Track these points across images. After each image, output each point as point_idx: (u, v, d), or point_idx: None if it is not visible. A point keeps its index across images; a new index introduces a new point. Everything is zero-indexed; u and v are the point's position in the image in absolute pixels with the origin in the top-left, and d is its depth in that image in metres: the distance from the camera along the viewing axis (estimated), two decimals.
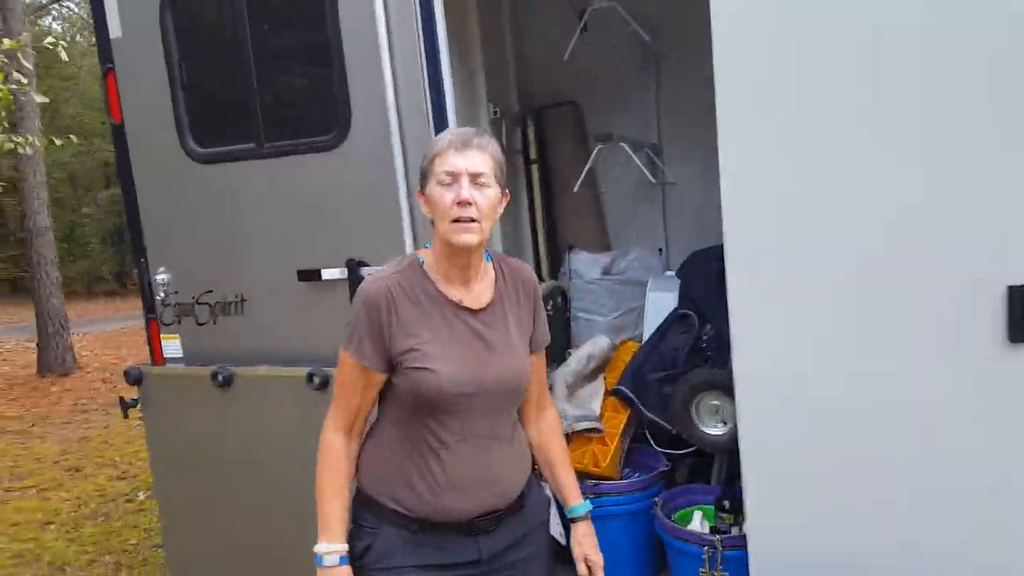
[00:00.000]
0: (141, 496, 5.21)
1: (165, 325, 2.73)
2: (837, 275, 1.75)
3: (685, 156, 3.13)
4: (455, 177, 1.46)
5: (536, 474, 1.73)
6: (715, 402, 2.49)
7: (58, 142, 6.27)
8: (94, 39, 2.67)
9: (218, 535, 2.60)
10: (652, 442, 2.77)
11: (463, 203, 1.44)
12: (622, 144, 2.67)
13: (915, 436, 1.72)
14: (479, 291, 1.58)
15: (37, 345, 10.11)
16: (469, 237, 1.46)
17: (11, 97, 4.40)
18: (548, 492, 1.82)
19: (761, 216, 1.82)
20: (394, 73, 2.14)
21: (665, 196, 3.27)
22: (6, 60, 4.35)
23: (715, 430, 2.51)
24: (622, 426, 2.70)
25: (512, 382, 1.58)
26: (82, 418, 7.71)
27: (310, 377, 2.33)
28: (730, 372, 2.41)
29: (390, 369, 1.52)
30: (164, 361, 2.77)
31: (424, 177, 1.52)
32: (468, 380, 1.50)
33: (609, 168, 3.05)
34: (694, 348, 2.57)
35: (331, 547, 1.53)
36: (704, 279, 2.68)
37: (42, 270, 9.51)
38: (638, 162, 2.73)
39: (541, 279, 3.20)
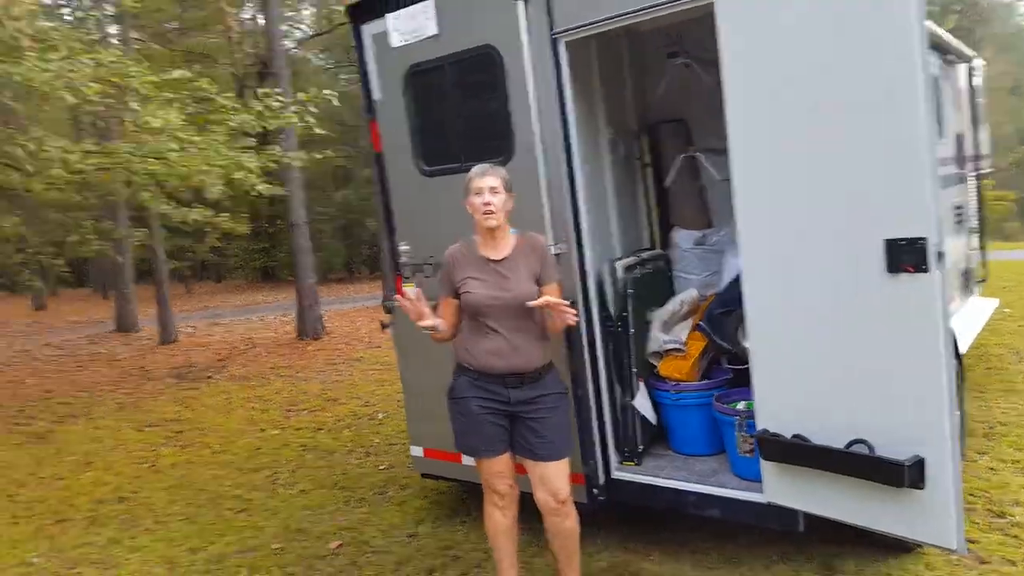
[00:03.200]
0: (380, 416, 7.06)
1: (405, 278, 4.30)
2: (787, 238, 2.82)
3: None
4: (480, 191, 2.90)
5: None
6: None
7: (319, 156, 8.34)
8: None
9: (442, 410, 4.07)
10: (724, 363, 3.91)
11: (486, 203, 2.89)
12: (699, 154, 3.81)
13: (837, 336, 2.74)
14: (501, 251, 2.99)
15: (297, 315, 12.65)
16: (492, 221, 2.94)
17: (298, 125, 6.30)
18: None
19: (752, 200, 2.93)
20: (540, 116, 3.48)
21: None
22: (301, 106, 6.28)
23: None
24: (700, 349, 3.87)
25: (518, 297, 2.92)
26: (332, 368, 9.83)
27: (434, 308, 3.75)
28: None
29: (457, 295, 2.96)
30: None
31: (466, 191, 2.97)
32: (491, 295, 2.92)
33: (714, 166, 4.20)
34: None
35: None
36: None
37: (300, 256, 11.92)
38: (707, 164, 3.86)
39: (653, 248, 4.41)
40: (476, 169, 2.97)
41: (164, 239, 14.80)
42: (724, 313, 3.68)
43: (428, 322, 2.90)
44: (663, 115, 4.42)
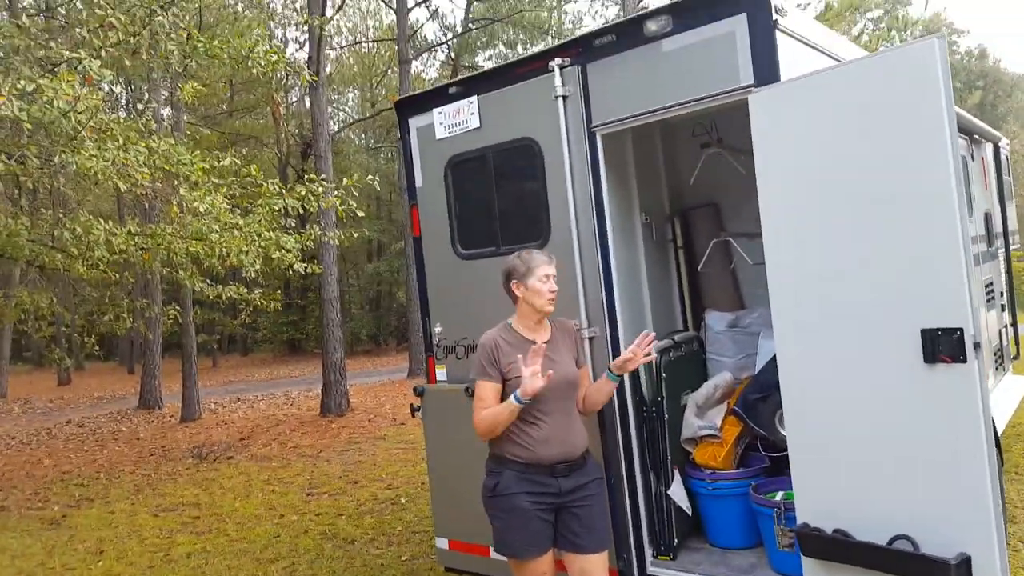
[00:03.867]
0: (403, 500, 6.91)
1: (438, 360, 4.36)
2: (823, 325, 2.84)
3: None
4: (550, 278, 2.97)
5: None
6: None
7: (355, 235, 8.59)
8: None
9: (471, 500, 4.03)
10: (760, 449, 3.87)
11: (553, 291, 2.97)
12: (730, 238, 3.88)
13: (876, 425, 2.72)
14: (543, 334, 3.02)
15: (322, 390, 12.69)
16: (551, 307, 2.99)
17: (342, 211, 6.56)
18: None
19: (786, 287, 2.97)
20: (576, 202, 3.59)
21: None
22: (344, 191, 6.55)
23: None
24: (736, 435, 3.84)
25: (568, 377, 2.97)
26: (355, 447, 9.73)
27: (466, 390, 3.77)
28: None
29: (503, 381, 2.90)
30: (436, 382, 4.38)
31: (525, 275, 2.97)
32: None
33: (745, 250, 4.28)
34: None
35: (511, 398, 2.78)
36: None
37: (329, 330, 12.07)
38: (737, 247, 3.94)
39: (686, 329, 4.44)
40: (540, 255, 3.02)
41: (195, 314, 15.12)
42: (760, 399, 3.67)
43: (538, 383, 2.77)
44: (696, 200, 4.54)
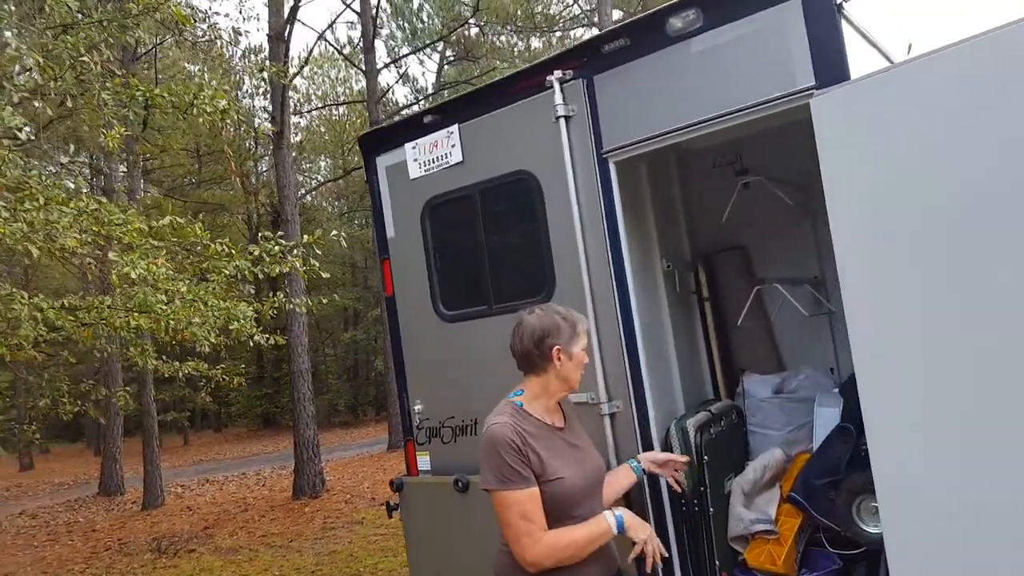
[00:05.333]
0: None
1: (419, 445, 3.57)
2: (932, 388, 2.13)
3: None
4: (588, 348, 2.26)
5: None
6: (875, 504, 2.80)
7: (324, 300, 7.82)
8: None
9: None
10: (827, 544, 3.09)
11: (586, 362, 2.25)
12: (776, 285, 3.19)
13: (1006, 522, 2.00)
14: (559, 415, 2.28)
15: (294, 470, 11.69)
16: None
17: (304, 273, 5.82)
18: None
19: (877, 343, 2.27)
20: (585, 247, 2.90)
21: (832, 321, 3.68)
22: (305, 249, 5.81)
23: (877, 529, 2.79)
24: (796, 528, 3.07)
25: (601, 469, 2.28)
26: (331, 534, 8.76)
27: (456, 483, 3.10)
28: None
29: (539, 485, 2.09)
30: (418, 473, 3.58)
31: (570, 341, 2.21)
32: (582, 476, 2.15)
33: (777, 300, 3.56)
34: (853, 456, 2.92)
35: (608, 516, 2.13)
36: None
37: (300, 405, 11.14)
38: (789, 297, 3.23)
39: (718, 398, 3.70)
40: (581, 316, 2.29)
41: (161, 391, 14.12)
42: (829, 483, 2.92)
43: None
44: (720, 243, 3.85)
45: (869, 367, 2.27)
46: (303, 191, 24.20)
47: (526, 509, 2.05)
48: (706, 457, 2.98)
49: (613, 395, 2.89)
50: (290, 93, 14.12)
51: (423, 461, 3.55)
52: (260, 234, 5.26)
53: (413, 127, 3.39)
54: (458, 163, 3.24)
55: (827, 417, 3.21)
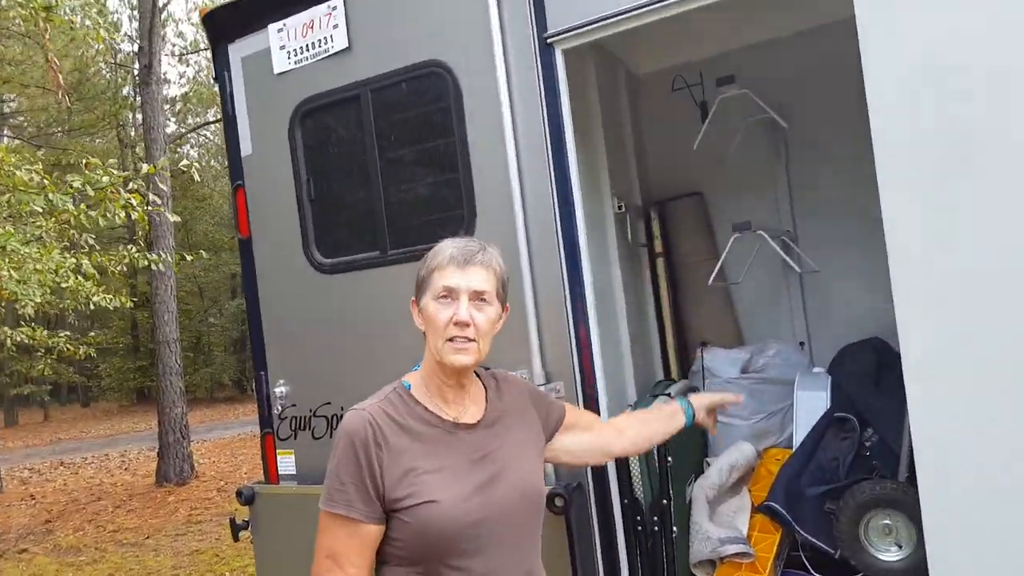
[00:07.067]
0: None
1: (280, 440, 2.65)
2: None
3: (823, 242, 2.91)
4: (454, 295, 1.38)
5: None
6: (887, 521, 2.17)
7: (188, 258, 6.63)
8: (226, 162, 2.77)
9: None
10: (809, 567, 2.42)
11: (461, 323, 1.36)
12: (761, 232, 2.48)
13: None
14: (472, 405, 1.47)
15: (158, 454, 10.42)
16: (464, 358, 1.38)
17: (146, 218, 4.69)
18: None
19: (939, 309, 1.58)
20: (519, 167, 2.07)
21: (804, 286, 3.02)
22: (143, 183, 4.67)
23: (889, 555, 2.17)
24: (775, 549, 2.38)
25: (527, 494, 1.43)
26: (196, 529, 7.70)
27: None
28: (904, 486, 2.11)
29: (384, 519, 1.33)
30: (278, 480, 2.67)
31: (420, 288, 1.44)
32: (479, 502, 1.34)
33: (738, 259, 2.86)
34: (857, 457, 2.26)
35: None
36: (862, 377, 2.39)
37: (166, 379, 9.83)
38: (780, 251, 2.52)
39: (670, 378, 2.98)
40: (449, 248, 1.43)
41: (19, 362, 12.33)
42: (826, 493, 2.23)
43: None
44: (676, 187, 3.10)
45: (915, 324, 1.58)
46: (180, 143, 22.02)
47: (335, 547, 1.33)
48: (670, 459, 2.24)
49: (553, 375, 2.09)
50: (165, 29, 12.46)
51: (286, 463, 2.64)
52: (84, 161, 4.14)
53: (280, 2, 2.43)
54: (342, 51, 2.32)
55: (811, 403, 2.54)
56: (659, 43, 2.83)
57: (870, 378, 2.45)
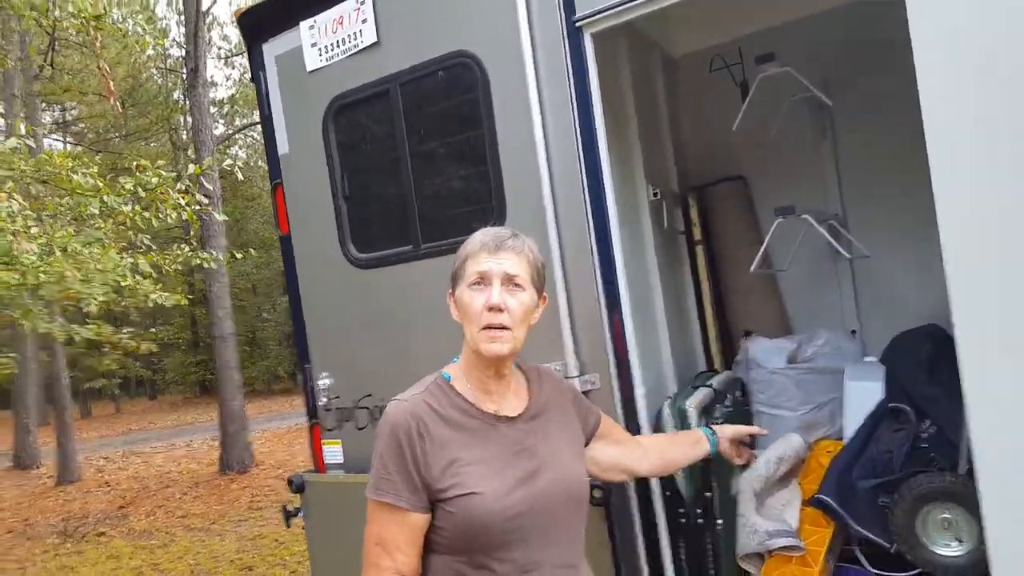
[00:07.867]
0: None
1: (327, 430, 2.69)
2: None
3: (874, 226, 2.78)
4: (486, 279, 1.37)
5: None
6: (946, 515, 2.07)
7: (239, 256, 6.79)
8: None
9: None
10: (864, 562, 2.33)
11: (494, 308, 1.35)
12: (806, 216, 2.38)
13: None
14: (514, 398, 1.46)
15: (220, 444, 10.75)
16: (499, 347, 1.36)
17: (195, 217, 4.82)
18: None
19: (997, 294, 1.48)
20: (548, 157, 2.04)
21: (855, 272, 2.90)
22: (191, 184, 4.79)
23: (948, 550, 2.07)
24: (826, 543, 2.30)
25: (569, 488, 1.41)
26: (257, 515, 7.95)
27: None
28: (964, 479, 2.01)
29: (430, 508, 1.34)
30: (326, 469, 2.71)
31: (455, 279, 1.43)
32: (521, 495, 1.33)
33: (784, 245, 2.76)
34: (913, 448, 2.16)
35: None
36: (918, 366, 2.28)
37: (225, 373, 10.12)
38: (828, 236, 2.41)
39: (712, 369, 2.91)
40: (480, 236, 1.43)
41: (91, 357, 12.87)
42: (880, 486, 2.15)
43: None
44: (716, 171, 3.01)
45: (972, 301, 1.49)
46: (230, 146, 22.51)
47: (384, 535, 1.35)
48: (714, 451, 2.18)
49: (587, 366, 2.06)
50: (211, 32, 12.71)
51: (332, 452, 2.69)
52: (136, 162, 4.27)
53: None
54: (372, 45, 2.32)
55: (863, 394, 2.44)
56: (695, 22, 2.74)
57: (925, 367, 2.33)
